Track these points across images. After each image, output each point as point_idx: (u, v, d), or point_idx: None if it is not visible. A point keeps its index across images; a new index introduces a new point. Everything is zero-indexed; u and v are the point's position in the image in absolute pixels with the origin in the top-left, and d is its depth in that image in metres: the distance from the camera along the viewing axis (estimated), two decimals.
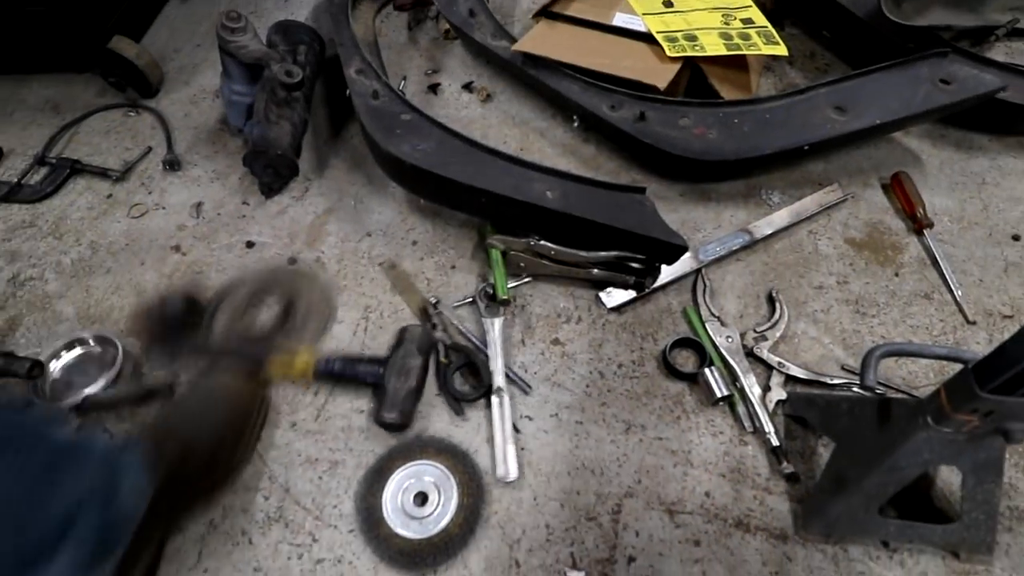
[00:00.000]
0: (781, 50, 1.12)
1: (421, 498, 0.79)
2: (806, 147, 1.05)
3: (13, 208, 1.17)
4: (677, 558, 0.76)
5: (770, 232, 1.04)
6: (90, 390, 0.87)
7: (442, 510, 0.78)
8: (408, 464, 0.82)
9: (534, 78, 1.20)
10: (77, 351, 0.94)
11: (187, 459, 0.73)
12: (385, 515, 0.78)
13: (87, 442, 0.66)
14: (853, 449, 0.73)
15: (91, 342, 0.94)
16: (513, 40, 1.24)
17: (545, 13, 1.24)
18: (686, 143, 1.06)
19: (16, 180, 1.19)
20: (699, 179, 1.12)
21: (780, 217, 1.06)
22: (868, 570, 0.74)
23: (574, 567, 0.76)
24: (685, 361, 0.92)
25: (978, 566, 0.74)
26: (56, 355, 0.93)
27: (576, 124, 1.19)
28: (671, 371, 0.90)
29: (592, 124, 1.17)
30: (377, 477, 0.82)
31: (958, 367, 0.60)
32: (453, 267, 1.03)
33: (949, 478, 0.79)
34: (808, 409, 0.84)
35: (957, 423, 0.61)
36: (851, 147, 1.14)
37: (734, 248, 1.02)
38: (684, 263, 0.99)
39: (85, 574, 0.56)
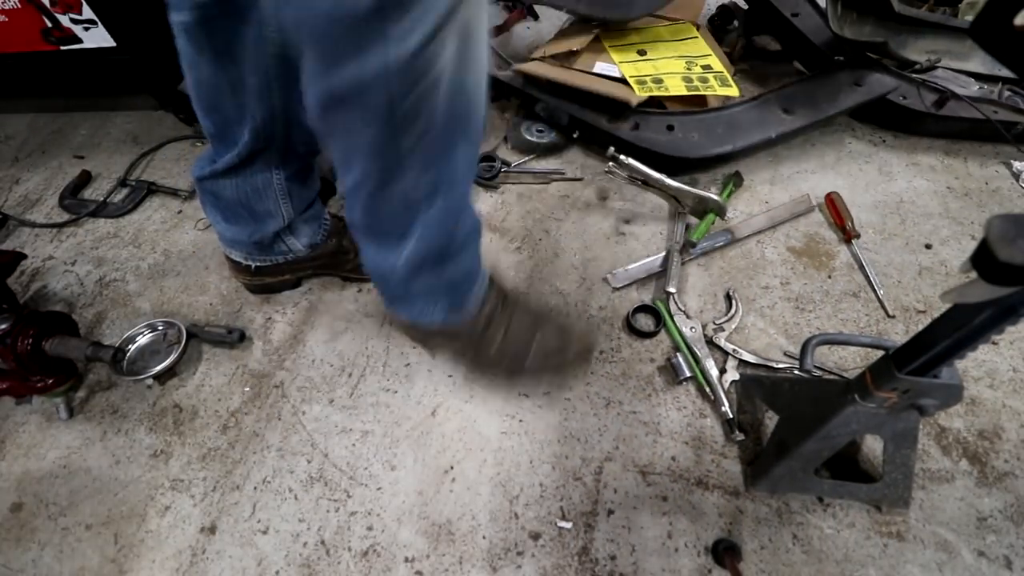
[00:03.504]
0: (733, 91, 1.12)
1: None
2: (774, 135, 1.11)
3: (100, 222, 1.17)
4: (648, 511, 0.76)
5: (748, 233, 1.05)
6: (160, 367, 0.88)
7: None
8: None
9: (535, 98, 1.19)
10: (149, 335, 0.94)
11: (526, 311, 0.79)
12: None
13: None
14: (793, 421, 0.73)
15: (159, 327, 0.95)
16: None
17: (539, 60, 1.23)
18: (674, 145, 1.10)
19: (103, 199, 1.19)
20: (687, 172, 1.15)
21: (759, 221, 1.06)
22: (806, 521, 0.74)
23: (563, 519, 0.76)
24: (645, 324, 0.94)
25: (896, 517, 0.74)
26: (132, 339, 0.93)
27: (576, 136, 1.20)
28: (632, 331, 0.92)
29: (588, 135, 1.18)
30: None
31: (880, 353, 0.60)
32: None
33: (873, 445, 0.79)
34: (757, 388, 0.84)
35: (879, 399, 0.61)
36: (800, 137, 1.17)
37: (717, 245, 1.03)
38: (658, 262, 1.00)
39: None
